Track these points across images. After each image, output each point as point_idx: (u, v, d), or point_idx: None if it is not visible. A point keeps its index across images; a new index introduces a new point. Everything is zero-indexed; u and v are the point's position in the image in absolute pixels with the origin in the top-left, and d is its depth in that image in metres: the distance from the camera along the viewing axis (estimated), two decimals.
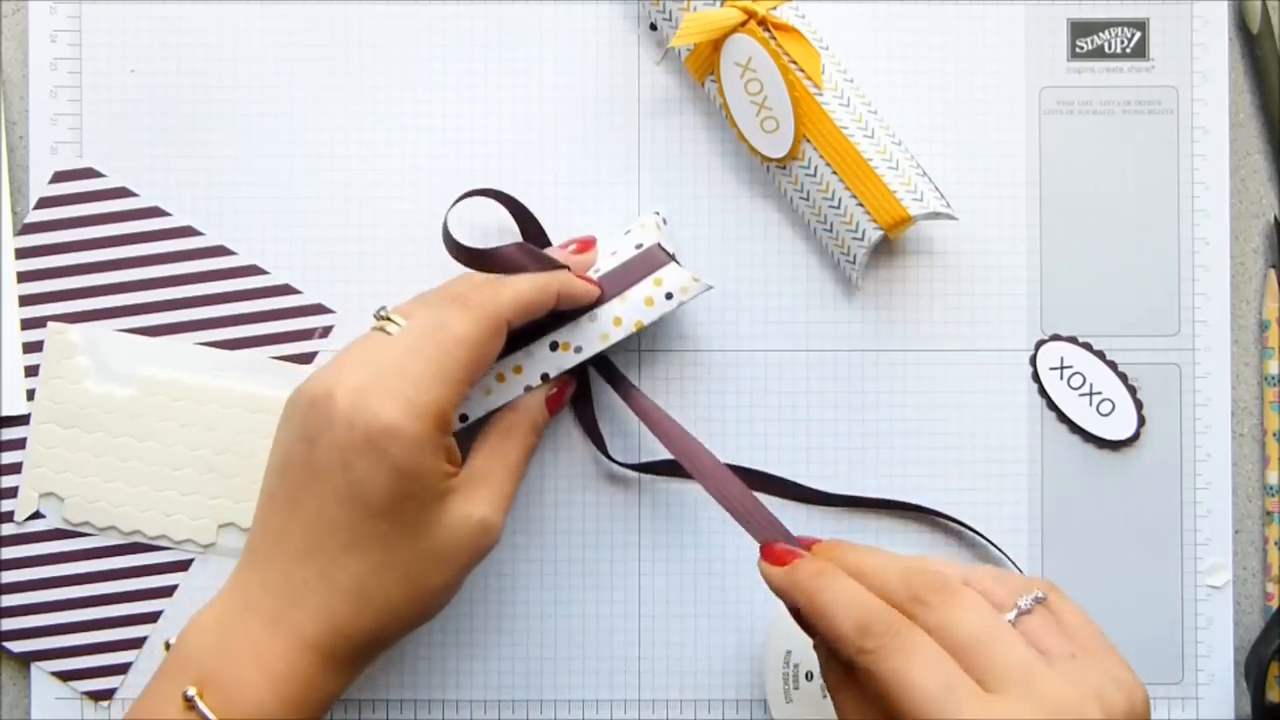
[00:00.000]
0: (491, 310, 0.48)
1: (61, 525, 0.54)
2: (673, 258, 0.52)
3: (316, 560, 0.45)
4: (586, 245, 0.53)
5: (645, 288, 0.51)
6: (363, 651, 0.46)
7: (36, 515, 0.54)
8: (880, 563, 0.43)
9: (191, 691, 0.43)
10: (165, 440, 0.54)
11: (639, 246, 0.52)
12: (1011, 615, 0.41)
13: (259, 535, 0.47)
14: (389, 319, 0.48)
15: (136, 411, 0.54)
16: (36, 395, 0.54)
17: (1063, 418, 0.55)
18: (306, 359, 0.55)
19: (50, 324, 0.55)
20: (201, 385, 0.54)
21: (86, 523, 0.54)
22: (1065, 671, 0.39)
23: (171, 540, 0.54)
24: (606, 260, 0.52)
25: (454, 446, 0.47)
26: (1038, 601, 0.42)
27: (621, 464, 0.54)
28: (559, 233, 0.54)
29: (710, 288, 0.51)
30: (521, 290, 0.49)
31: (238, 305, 0.55)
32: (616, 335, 0.51)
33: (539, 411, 0.52)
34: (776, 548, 0.46)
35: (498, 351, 0.48)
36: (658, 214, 0.54)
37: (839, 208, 0.52)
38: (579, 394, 0.54)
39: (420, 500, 0.45)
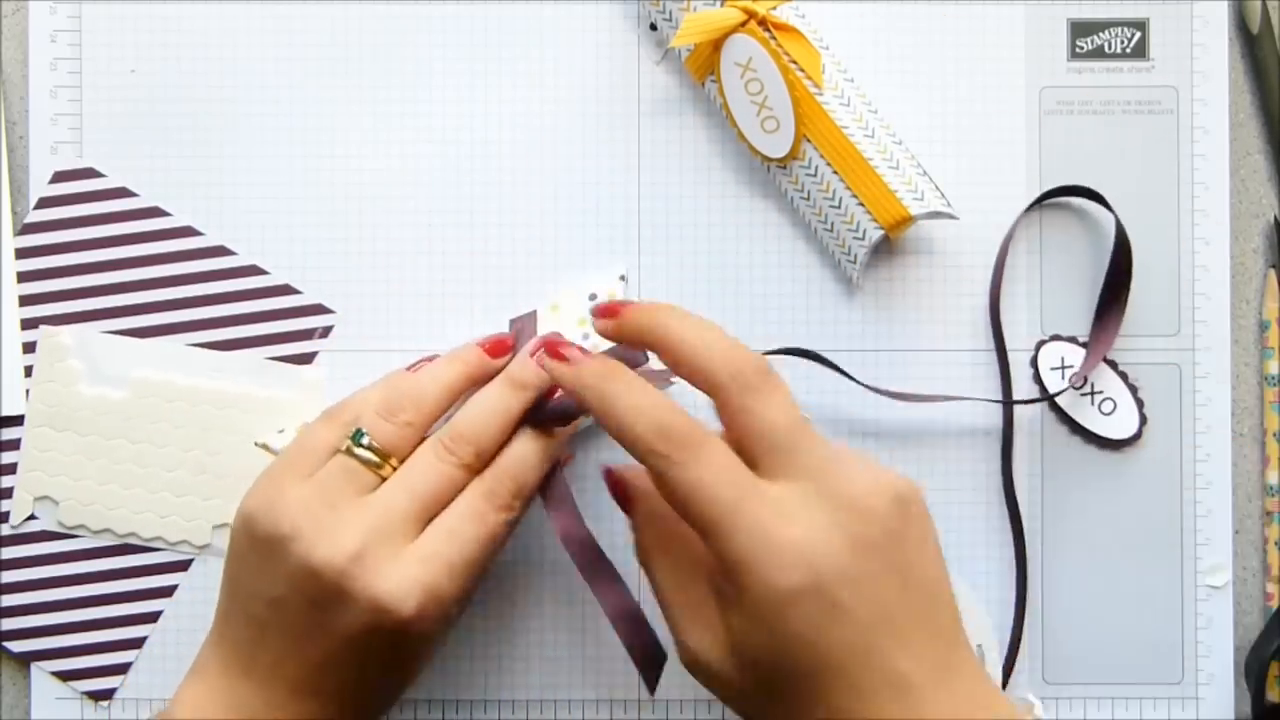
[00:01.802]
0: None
1: (57, 529, 0.54)
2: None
3: (320, 696, 0.45)
4: (499, 348, 0.50)
5: None
6: None
7: (32, 519, 0.54)
8: (709, 338, 0.43)
9: None
10: (159, 442, 0.54)
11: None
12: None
13: (247, 644, 0.46)
14: (374, 451, 0.47)
15: (129, 414, 0.54)
16: (29, 399, 0.54)
17: (1063, 417, 0.55)
18: (306, 359, 0.55)
19: (42, 327, 0.54)
20: (194, 386, 0.54)
21: (81, 525, 0.54)
22: (858, 461, 0.42)
23: (166, 542, 0.54)
24: (577, 340, 0.50)
25: None
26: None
27: None
28: (560, 232, 0.55)
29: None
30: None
31: (238, 305, 0.55)
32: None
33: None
34: (550, 340, 0.46)
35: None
36: (623, 278, 0.54)
37: (840, 207, 0.52)
38: None
39: (421, 650, 0.47)
